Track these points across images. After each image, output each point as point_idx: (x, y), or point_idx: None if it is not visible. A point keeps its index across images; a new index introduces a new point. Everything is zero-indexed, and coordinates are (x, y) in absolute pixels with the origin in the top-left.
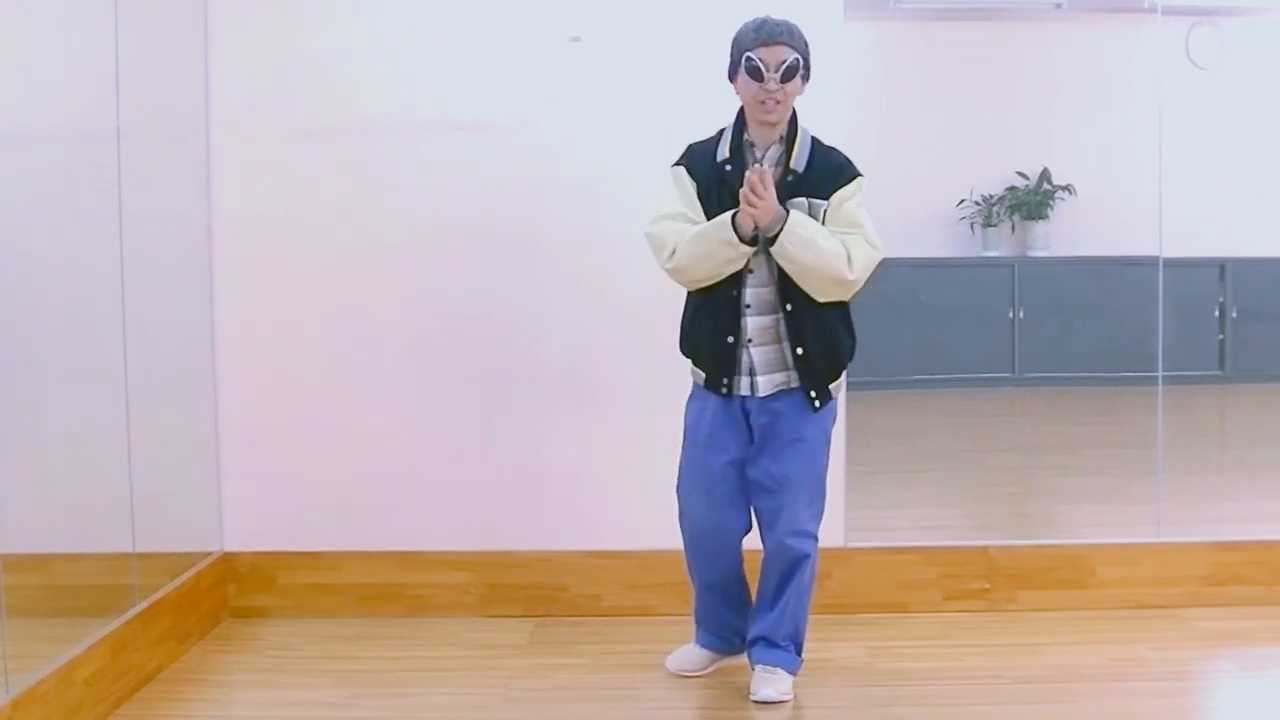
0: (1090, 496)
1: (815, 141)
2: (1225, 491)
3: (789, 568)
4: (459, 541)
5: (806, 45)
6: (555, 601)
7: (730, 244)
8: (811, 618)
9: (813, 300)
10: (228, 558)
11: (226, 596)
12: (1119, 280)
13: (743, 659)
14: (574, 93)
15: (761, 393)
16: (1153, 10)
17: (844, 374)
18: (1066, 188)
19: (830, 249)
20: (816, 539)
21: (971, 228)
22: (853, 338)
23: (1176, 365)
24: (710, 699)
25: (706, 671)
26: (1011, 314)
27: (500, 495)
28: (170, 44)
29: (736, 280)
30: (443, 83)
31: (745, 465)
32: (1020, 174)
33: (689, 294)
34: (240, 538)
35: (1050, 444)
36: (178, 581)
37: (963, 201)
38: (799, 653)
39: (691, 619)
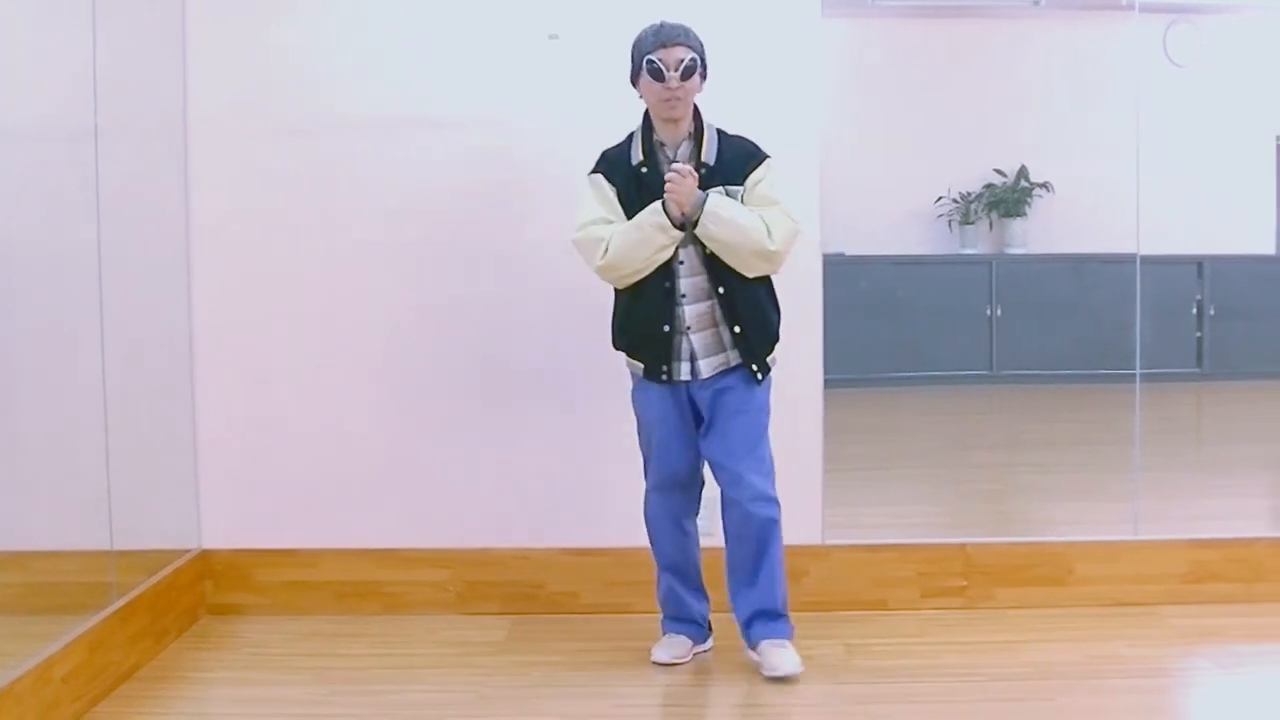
0: (1068, 494)
1: (721, 134)
2: (1203, 489)
3: (762, 534)
4: (436, 539)
5: (702, 45)
6: (533, 599)
7: (663, 228)
8: (791, 615)
9: (743, 281)
10: (205, 555)
11: (204, 594)
12: (1097, 278)
13: (706, 645)
14: (552, 91)
15: (704, 375)
16: (1130, 8)
17: (776, 346)
18: (1044, 185)
19: (750, 224)
20: (778, 502)
21: (949, 225)
22: (778, 312)
23: (1154, 363)
24: (687, 695)
25: (687, 659)
26: (989, 311)
27: (478, 493)
28: (148, 41)
29: (668, 272)
30: (420, 81)
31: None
32: (998, 171)
33: (618, 292)
34: (218, 535)
35: (1028, 441)
36: (155, 579)
37: (940, 199)
38: (787, 612)
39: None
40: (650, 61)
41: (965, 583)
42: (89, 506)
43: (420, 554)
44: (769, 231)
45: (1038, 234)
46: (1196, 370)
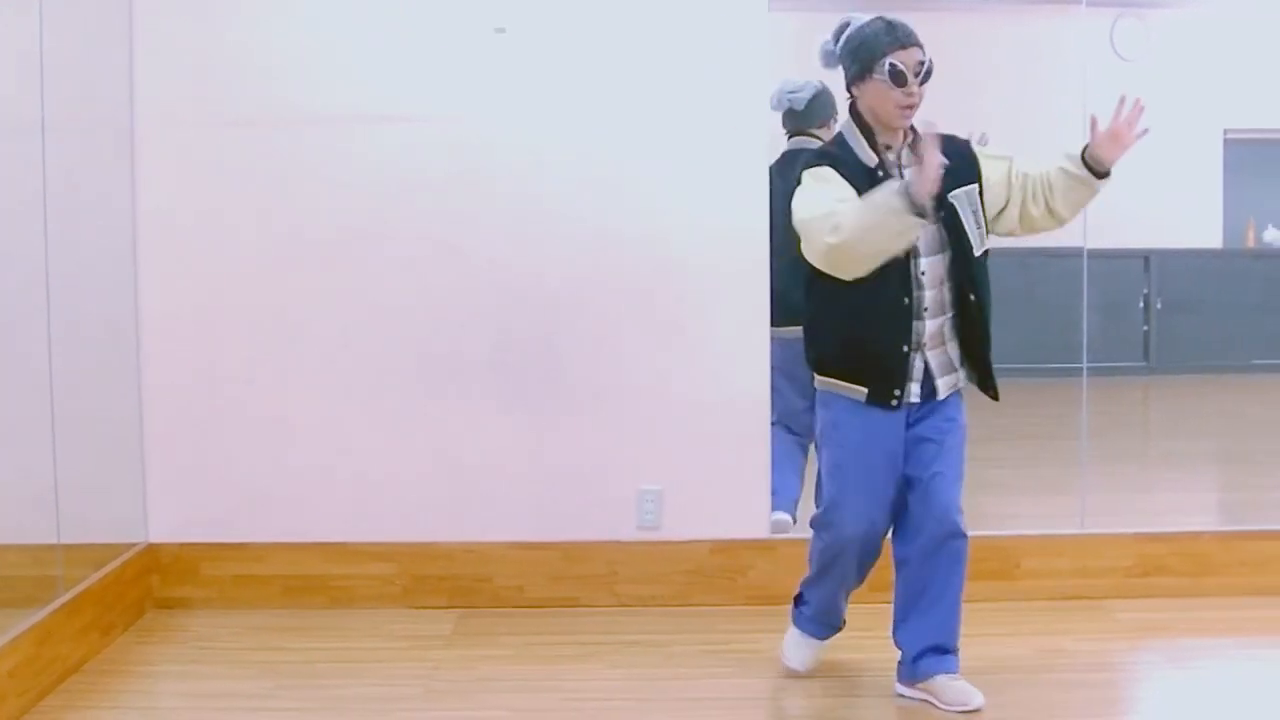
0: (1015, 488)
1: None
2: (1150, 483)
3: (955, 561)
4: (383, 533)
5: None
6: (479, 593)
7: (898, 213)
8: (736, 609)
9: (987, 291)
10: (152, 549)
11: (151, 588)
12: (1043, 271)
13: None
14: (500, 84)
15: (941, 396)
16: (1078, 2)
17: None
18: None
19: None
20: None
21: None
22: None
23: (1101, 356)
24: (635, 688)
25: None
26: None
27: (424, 486)
28: (95, 34)
29: (906, 284)
30: (369, 74)
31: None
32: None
33: (830, 307)
34: (164, 529)
35: (974, 435)
36: (102, 573)
37: None
38: None
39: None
40: (893, 66)
41: None
42: (35, 500)
43: (367, 548)
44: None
45: None
46: (1144, 364)
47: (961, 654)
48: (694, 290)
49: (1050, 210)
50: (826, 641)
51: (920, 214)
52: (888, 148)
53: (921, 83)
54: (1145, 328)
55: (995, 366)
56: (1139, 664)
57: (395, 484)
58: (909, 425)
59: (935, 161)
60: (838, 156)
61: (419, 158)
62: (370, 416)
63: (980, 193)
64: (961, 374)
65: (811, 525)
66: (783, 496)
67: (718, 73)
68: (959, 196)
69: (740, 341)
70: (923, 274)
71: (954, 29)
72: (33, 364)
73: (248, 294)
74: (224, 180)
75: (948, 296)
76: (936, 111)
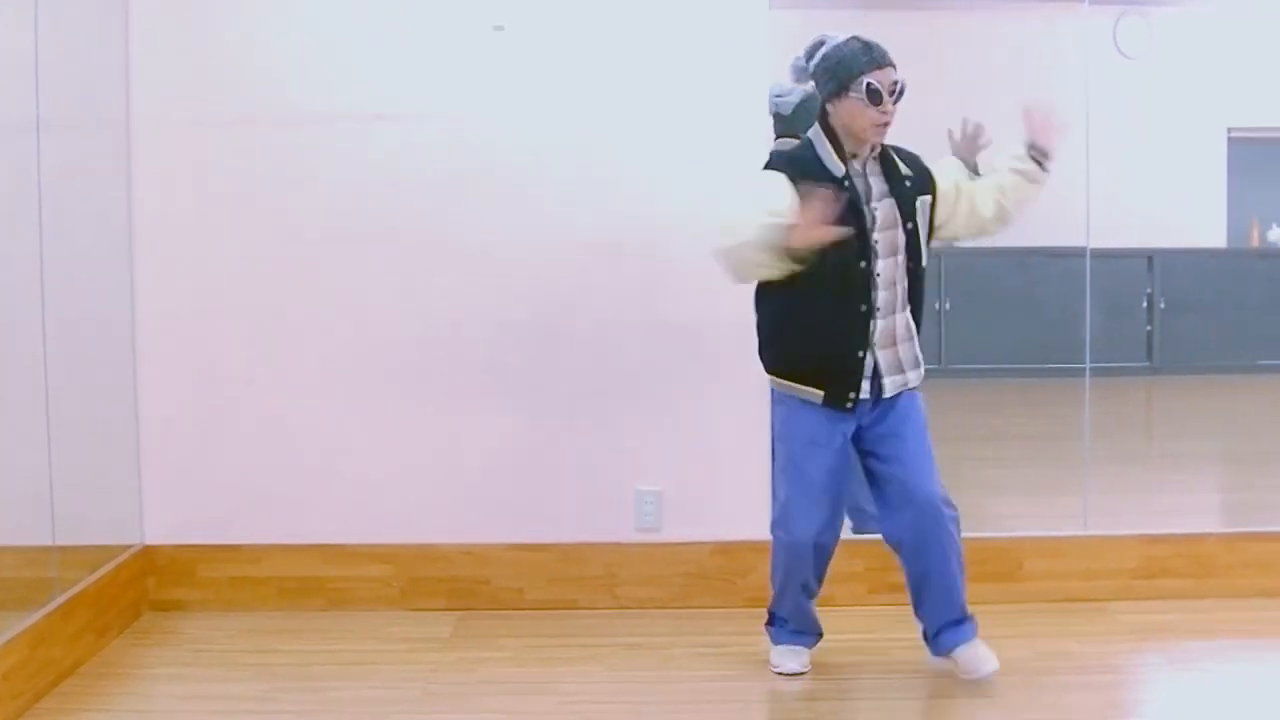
0: (1017, 489)
1: (896, 147)
2: (1153, 484)
3: (946, 537)
4: (381, 534)
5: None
6: (478, 595)
7: (771, 249)
8: (737, 612)
9: (922, 293)
10: (148, 551)
11: (146, 590)
12: (1046, 271)
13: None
14: (499, 83)
15: (887, 394)
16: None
17: None
18: None
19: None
20: (951, 502)
21: None
22: None
23: (1104, 357)
24: (633, 691)
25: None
26: (938, 305)
27: (422, 487)
28: (91, 33)
29: (864, 288)
30: (367, 73)
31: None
32: None
33: (784, 307)
34: (160, 530)
35: (977, 436)
36: (97, 574)
37: None
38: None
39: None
40: (870, 84)
41: None
42: (30, 501)
43: (364, 549)
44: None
45: None
46: (1147, 364)
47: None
48: (694, 289)
49: (1001, 210)
50: (814, 646)
51: (796, 259)
52: (854, 156)
53: (895, 101)
54: (1149, 328)
55: (995, 366)
56: (1142, 666)
57: (393, 485)
58: (863, 427)
59: (814, 219)
60: (807, 163)
61: (418, 157)
62: (368, 417)
63: (932, 204)
64: (910, 376)
65: (771, 529)
66: None
67: (718, 71)
68: (922, 206)
69: (740, 341)
70: (878, 275)
71: (955, 28)
72: (28, 364)
73: (244, 294)
74: (221, 179)
75: (899, 297)
76: (938, 111)
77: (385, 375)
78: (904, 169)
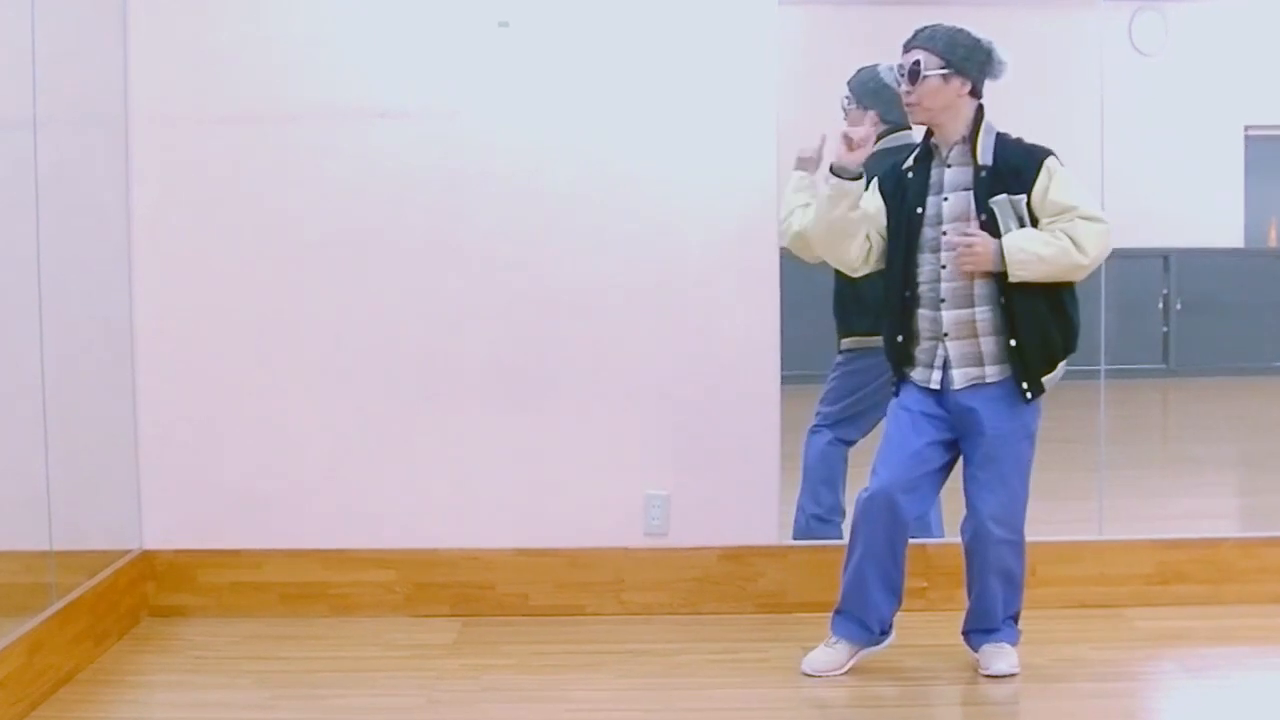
0: (1031, 493)
1: (1000, 136)
2: (1169, 488)
3: (992, 560)
4: (384, 539)
5: (947, 44)
6: (482, 600)
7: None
8: (746, 618)
9: (1025, 292)
10: (147, 555)
11: (146, 595)
12: None
13: (875, 648)
14: (502, 79)
15: (956, 386)
16: None
17: (1060, 366)
18: None
19: (1054, 254)
20: (1013, 528)
21: None
22: (1070, 327)
23: (1119, 358)
24: (640, 699)
25: (844, 670)
26: None
27: (426, 491)
28: (88, 29)
29: (908, 279)
30: (367, 69)
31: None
32: None
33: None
34: (160, 535)
35: None
36: (96, 580)
37: None
38: (1016, 623)
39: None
40: (898, 67)
41: (926, 584)
42: (27, 505)
43: (367, 555)
44: (1077, 246)
45: None
46: (1163, 366)
47: (968, 662)
48: (701, 290)
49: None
50: (857, 649)
51: (838, 174)
52: (937, 146)
53: (911, 81)
54: (1164, 329)
55: None
56: (1158, 674)
57: (396, 489)
58: (947, 409)
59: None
60: (896, 153)
61: (420, 154)
62: (370, 419)
63: (1029, 202)
64: (991, 370)
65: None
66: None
67: (726, 67)
68: (1000, 202)
69: (749, 342)
70: (943, 267)
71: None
72: (25, 366)
73: (244, 294)
74: (220, 178)
75: (979, 291)
76: None
77: (388, 376)
78: (984, 158)
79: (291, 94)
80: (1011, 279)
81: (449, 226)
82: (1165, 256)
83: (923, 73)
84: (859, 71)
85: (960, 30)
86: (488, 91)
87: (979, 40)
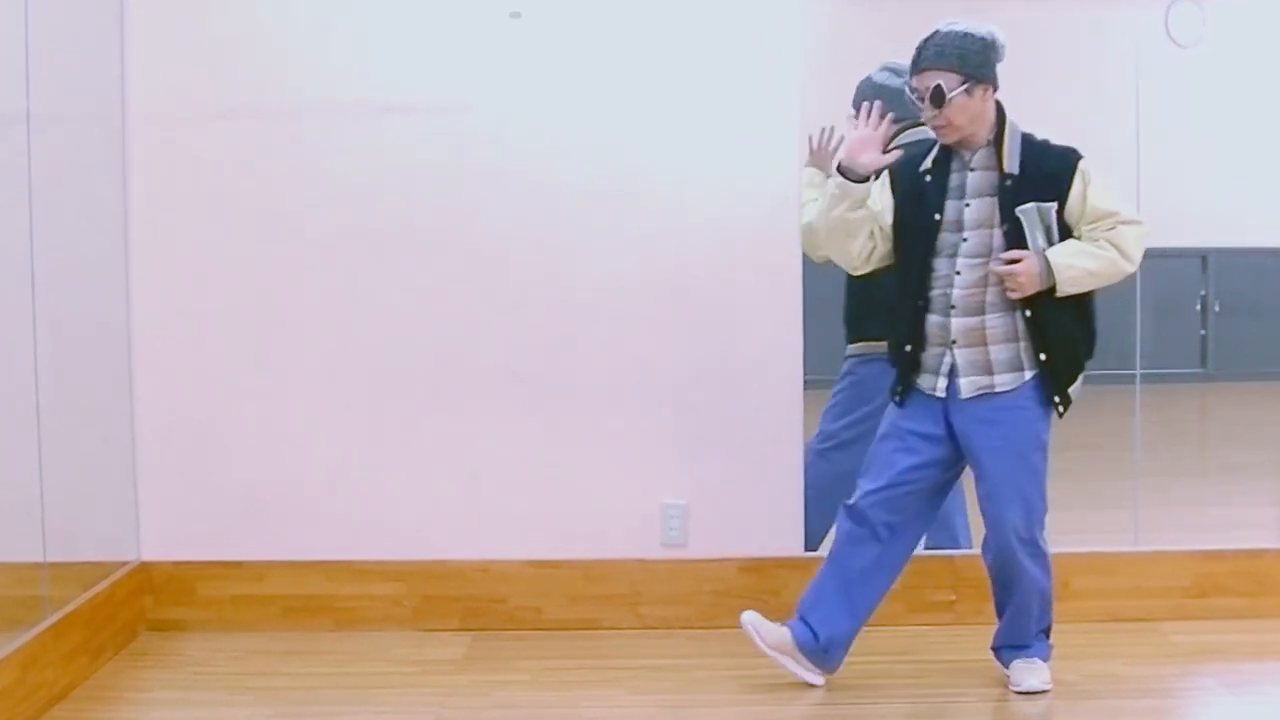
0: (1064, 502)
1: (1027, 139)
2: (1207, 497)
3: (1018, 573)
4: (391, 550)
5: (960, 57)
6: (494, 614)
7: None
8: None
9: (1051, 303)
10: (145, 567)
11: (143, 609)
12: None
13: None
14: (513, 73)
15: (963, 395)
16: None
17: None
18: None
19: (1102, 266)
20: (1034, 541)
21: None
22: (1091, 336)
23: (1156, 362)
24: (655, 715)
25: (763, 650)
26: None
27: (435, 501)
28: (84, 23)
29: (925, 284)
30: (372, 62)
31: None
32: None
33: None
34: (158, 546)
35: None
36: (91, 593)
37: None
38: (1047, 637)
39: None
40: (912, 88)
41: (954, 597)
42: (20, 515)
43: (374, 567)
44: (1123, 254)
45: None
46: (1200, 370)
47: (997, 677)
48: (721, 292)
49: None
50: (790, 645)
51: (844, 175)
52: (962, 150)
53: (936, 104)
54: (1202, 332)
55: None
56: (1196, 690)
57: (404, 498)
58: (955, 429)
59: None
60: (909, 154)
61: (428, 150)
62: (377, 426)
63: (1060, 210)
64: (1001, 379)
65: None
66: None
67: (747, 59)
68: (1028, 211)
69: (771, 347)
70: (946, 275)
71: (999, 16)
72: (18, 369)
73: (246, 296)
74: (219, 175)
75: (991, 299)
76: None
77: (395, 381)
78: (1010, 165)
79: (294, 87)
80: (1060, 294)
81: (458, 225)
82: (1203, 256)
83: (948, 96)
84: (858, 86)
85: (965, 35)
86: (499, 85)
87: (983, 38)
